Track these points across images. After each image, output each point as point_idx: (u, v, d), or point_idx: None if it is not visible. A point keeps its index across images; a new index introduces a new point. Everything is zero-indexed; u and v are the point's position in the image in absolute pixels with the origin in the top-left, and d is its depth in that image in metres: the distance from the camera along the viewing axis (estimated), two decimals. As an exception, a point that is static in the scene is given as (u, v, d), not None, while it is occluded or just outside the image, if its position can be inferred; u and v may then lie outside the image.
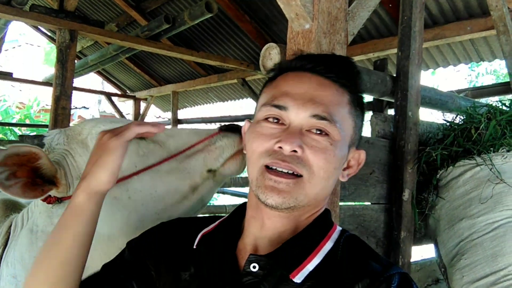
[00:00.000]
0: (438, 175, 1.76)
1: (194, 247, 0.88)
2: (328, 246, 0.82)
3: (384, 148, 1.80)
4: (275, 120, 0.82)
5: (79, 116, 12.20)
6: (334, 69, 0.85)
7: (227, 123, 1.27)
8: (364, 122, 0.92)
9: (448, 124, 1.87)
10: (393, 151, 1.82)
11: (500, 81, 10.86)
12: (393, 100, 1.91)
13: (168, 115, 8.04)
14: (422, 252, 2.61)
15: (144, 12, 5.72)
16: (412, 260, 1.84)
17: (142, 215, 1.13)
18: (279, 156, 0.78)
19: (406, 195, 1.77)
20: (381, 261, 0.79)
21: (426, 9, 3.59)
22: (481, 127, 1.68)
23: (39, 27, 7.12)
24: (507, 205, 1.54)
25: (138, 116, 8.12)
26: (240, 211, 0.93)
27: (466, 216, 1.60)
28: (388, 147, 1.81)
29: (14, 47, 14.81)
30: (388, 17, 4.08)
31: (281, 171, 0.78)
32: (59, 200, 1.12)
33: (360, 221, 1.68)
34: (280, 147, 0.78)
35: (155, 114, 11.99)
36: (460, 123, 1.80)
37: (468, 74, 12.77)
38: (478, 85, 11.16)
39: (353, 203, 1.70)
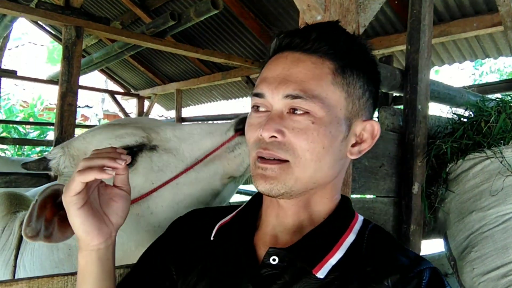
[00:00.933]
0: (447, 169, 1.76)
1: (212, 238, 0.87)
2: (350, 238, 0.79)
3: (393, 141, 1.80)
4: (262, 109, 0.80)
5: (82, 115, 12.21)
6: (311, 39, 0.77)
7: (241, 117, 1.18)
8: (367, 88, 0.82)
9: (457, 117, 1.87)
10: (402, 145, 1.82)
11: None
12: (401, 94, 1.91)
13: (172, 113, 8.05)
14: (427, 248, 2.59)
15: (148, 10, 5.74)
16: (420, 254, 1.84)
17: (166, 227, 1.14)
18: (262, 144, 0.76)
19: (416, 188, 1.77)
20: (408, 254, 0.77)
21: (432, 5, 3.58)
22: (491, 120, 1.68)
23: (43, 25, 7.14)
24: (518, 197, 1.54)
25: (142, 114, 8.13)
26: (256, 200, 0.91)
27: (476, 208, 1.59)
28: (397, 141, 1.82)
29: (17, 46, 14.85)
30: (393, 13, 4.08)
31: (269, 159, 0.76)
32: None
33: (370, 214, 1.68)
34: (261, 135, 0.76)
35: (158, 113, 12.00)
36: (469, 116, 1.80)
37: (472, 72, 12.76)
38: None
39: (363, 196, 1.70)
